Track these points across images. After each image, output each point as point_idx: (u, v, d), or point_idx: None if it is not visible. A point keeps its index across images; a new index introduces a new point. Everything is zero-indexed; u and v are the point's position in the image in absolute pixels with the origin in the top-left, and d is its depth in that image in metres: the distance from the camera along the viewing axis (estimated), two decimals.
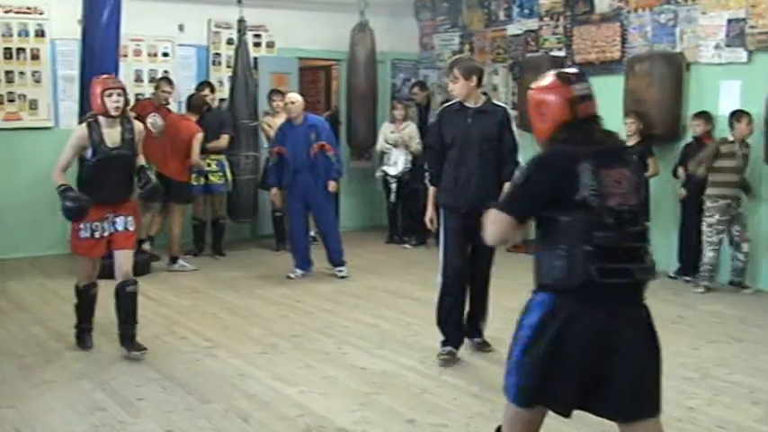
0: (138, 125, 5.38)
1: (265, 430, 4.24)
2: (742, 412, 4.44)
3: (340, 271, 7.89)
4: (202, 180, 8.63)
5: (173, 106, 8.92)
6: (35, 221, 8.75)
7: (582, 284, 2.77)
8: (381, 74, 10.52)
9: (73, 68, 8.57)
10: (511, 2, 9.82)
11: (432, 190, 5.44)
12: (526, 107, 10.27)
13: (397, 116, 9.66)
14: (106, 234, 5.26)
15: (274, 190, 8.13)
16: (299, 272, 7.93)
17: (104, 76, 5.47)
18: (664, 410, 2.97)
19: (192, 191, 8.55)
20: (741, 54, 7.49)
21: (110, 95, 5.09)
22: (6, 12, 8.65)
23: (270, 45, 10.13)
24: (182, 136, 8.26)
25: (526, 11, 9.65)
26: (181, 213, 8.41)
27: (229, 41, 9.70)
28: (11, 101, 8.76)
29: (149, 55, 9.43)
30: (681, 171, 7.68)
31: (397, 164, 9.57)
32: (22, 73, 8.77)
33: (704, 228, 7.21)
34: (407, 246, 9.71)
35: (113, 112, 5.11)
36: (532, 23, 9.56)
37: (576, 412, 2.98)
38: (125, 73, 8.61)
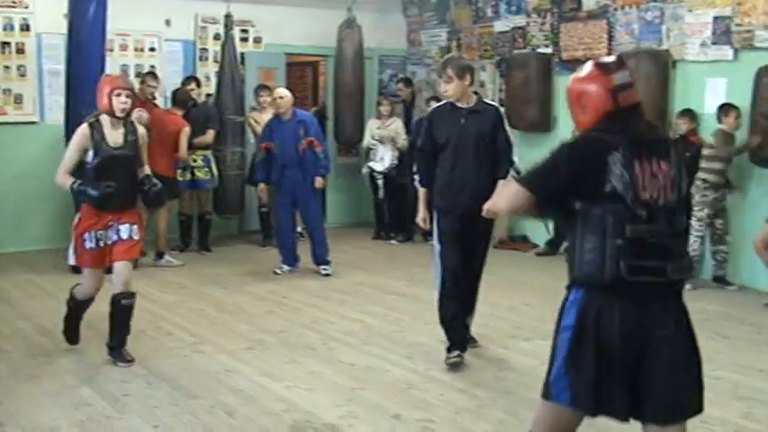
0: (141, 129, 5.21)
1: (251, 425, 4.24)
2: (726, 408, 4.45)
3: (324, 269, 7.88)
4: (188, 175, 8.60)
5: (158, 101, 8.90)
6: (21, 217, 8.72)
7: (612, 280, 2.70)
8: (369, 70, 10.52)
9: (59, 63, 8.53)
10: None
11: (422, 191, 5.35)
12: (514, 104, 10.33)
13: (384, 112, 9.66)
14: (109, 242, 5.03)
15: (262, 185, 8.12)
16: (286, 268, 7.93)
17: (114, 74, 5.37)
18: None
19: (179, 186, 8.52)
20: (727, 52, 7.53)
21: (118, 95, 4.93)
22: None
23: (257, 40, 10.11)
24: (168, 130, 8.23)
25: (513, 8, 9.67)
26: (167, 209, 8.37)
27: (216, 36, 9.68)
28: None
29: (136, 50, 9.39)
30: None
31: (383, 160, 9.58)
32: (7, 67, 8.71)
33: (693, 222, 7.23)
34: (394, 242, 9.72)
35: (119, 113, 4.96)
36: (520, 20, 9.58)
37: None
38: (111, 68, 8.56)
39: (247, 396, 4.65)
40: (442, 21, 10.68)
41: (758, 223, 6.90)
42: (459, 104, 5.16)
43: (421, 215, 5.37)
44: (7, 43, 8.69)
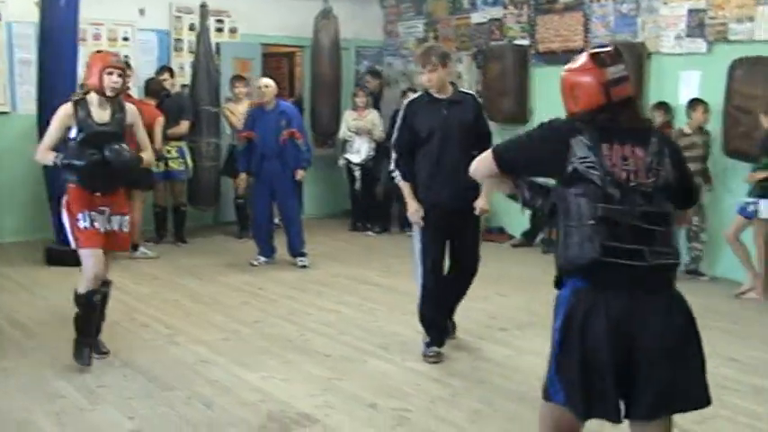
0: (131, 107, 5.01)
1: (227, 416, 4.23)
2: None
3: (301, 261, 7.87)
4: (162, 166, 8.53)
5: (132, 92, 8.81)
6: None
7: (591, 264, 2.67)
8: (345, 61, 10.50)
9: (30, 52, 8.45)
10: None
11: (406, 184, 5.11)
12: (491, 95, 10.28)
13: (360, 104, 9.64)
14: (102, 229, 4.82)
15: (243, 175, 8.07)
16: (262, 259, 7.91)
17: (106, 51, 5.17)
18: None
19: (153, 177, 8.46)
20: (701, 44, 7.60)
21: (110, 74, 4.74)
22: None
23: (232, 31, 10.06)
24: (142, 120, 8.15)
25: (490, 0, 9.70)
26: (142, 200, 8.33)
27: (191, 27, 9.62)
28: None
29: (109, 39, 9.29)
30: None
31: (360, 151, 9.57)
32: None
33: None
34: (370, 233, 9.73)
35: (109, 92, 4.77)
36: (496, 12, 9.60)
37: None
38: (84, 57, 8.46)
39: (223, 387, 4.64)
40: (418, 12, 10.67)
41: (732, 215, 6.98)
42: (437, 95, 5.05)
43: (413, 207, 5.06)
44: None
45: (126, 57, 9.11)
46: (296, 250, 7.90)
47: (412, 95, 5.68)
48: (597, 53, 2.87)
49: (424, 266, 5.10)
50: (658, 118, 7.64)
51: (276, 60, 11.97)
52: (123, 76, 4.86)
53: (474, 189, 4.67)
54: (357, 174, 9.65)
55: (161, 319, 6.02)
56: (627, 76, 2.85)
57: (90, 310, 4.87)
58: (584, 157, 2.71)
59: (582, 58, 2.88)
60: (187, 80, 9.40)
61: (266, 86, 7.77)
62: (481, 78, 9.62)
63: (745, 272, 6.95)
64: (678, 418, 4.10)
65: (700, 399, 2.77)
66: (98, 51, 5.19)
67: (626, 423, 2.83)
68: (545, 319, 3.12)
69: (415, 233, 5.18)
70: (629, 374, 2.68)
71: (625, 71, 2.84)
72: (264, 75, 9.73)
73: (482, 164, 2.98)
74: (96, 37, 9.20)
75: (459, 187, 4.79)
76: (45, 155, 4.82)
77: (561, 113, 2.96)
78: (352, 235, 9.74)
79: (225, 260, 8.10)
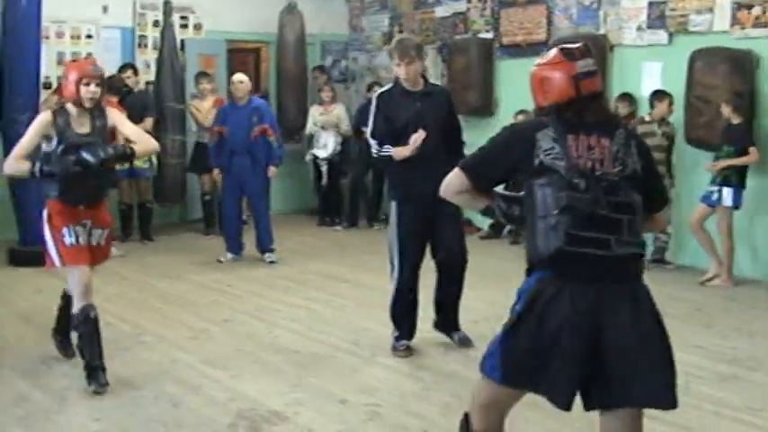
0: (111, 111, 4.75)
1: (196, 416, 4.21)
2: None
3: (269, 257, 7.84)
4: (126, 164, 8.44)
5: None
6: None
7: (556, 253, 2.67)
8: (311, 56, 10.47)
9: None
10: None
11: (391, 147, 4.94)
12: (456, 88, 10.28)
13: (325, 98, 9.63)
14: (84, 243, 4.59)
15: (216, 171, 8.00)
16: (230, 256, 7.87)
17: (83, 60, 4.85)
18: None
19: (117, 175, 8.36)
20: (662, 36, 7.68)
21: (87, 84, 4.46)
22: None
23: (197, 27, 9.98)
24: None
25: None
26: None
27: (156, 23, 9.53)
28: None
29: (72, 37, 9.17)
30: None
31: (326, 146, 9.56)
32: None
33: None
34: (338, 228, 9.72)
35: (87, 104, 4.49)
36: (460, 6, 9.63)
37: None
38: (47, 56, 8.38)
39: (191, 386, 4.61)
40: (383, 6, 10.67)
41: (695, 204, 7.07)
42: (410, 88, 5.00)
43: (404, 150, 4.88)
44: None
45: (89, 54, 9.02)
46: (264, 246, 7.87)
47: (377, 89, 5.64)
48: (567, 48, 2.88)
49: (401, 267, 5.06)
50: (623, 109, 7.72)
51: (241, 56, 11.87)
52: (101, 85, 4.60)
53: None
54: (324, 169, 9.63)
55: (128, 318, 5.96)
56: (596, 70, 2.86)
57: (91, 329, 4.56)
58: (550, 149, 2.72)
59: (551, 53, 2.89)
60: (152, 77, 9.32)
61: (240, 82, 7.73)
62: (446, 72, 9.65)
63: (710, 259, 7.04)
64: None
65: (663, 398, 2.73)
66: (74, 60, 4.99)
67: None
68: None
69: (394, 231, 5.07)
70: (595, 363, 2.68)
71: (594, 66, 2.85)
72: (231, 71, 9.69)
73: (452, 181, 2.94)
74: (59, 35, 9.08)
75: (435, 178, 4.70)
76: (18, 164, 4.46)
77: (526, 105, 2.99)
78: (319, 230, 9.72)
79: (192, 257, 8.05)
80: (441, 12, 9.89)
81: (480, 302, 6.19)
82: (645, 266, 2.84)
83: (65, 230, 4.50)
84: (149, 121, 8.57)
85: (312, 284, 7.04)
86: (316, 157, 9.67)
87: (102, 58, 9.05)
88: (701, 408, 4.32)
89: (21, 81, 7.45)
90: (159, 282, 7.11)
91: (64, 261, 4.55)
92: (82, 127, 4.53)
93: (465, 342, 5.28)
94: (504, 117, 8.13)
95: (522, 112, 7.81)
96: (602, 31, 8.11)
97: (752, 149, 6.70)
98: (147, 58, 9.57)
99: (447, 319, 5.35)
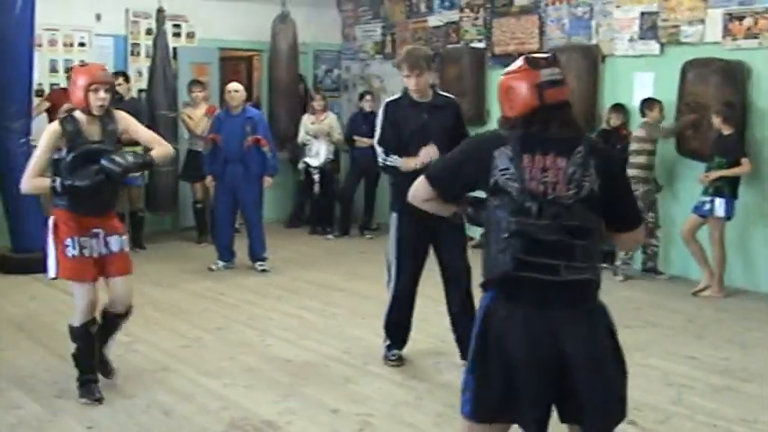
0: (120, 114, 4.52)
1: (188, 424, 4.20)
2: (657, 394, 4.58)
3: (261, 265, 7.83)
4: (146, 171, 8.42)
5: None
6: None
7: (504, 277, 2.65)
8: (303, 65, 10.48)
9: None
10: None
11: (399, 158, 4.87)
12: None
13: (317, 107, 9.65)
14: (96, 255, 4.39)
15: (209, 178, 7.99)
16: (221, 263, 7.86)
17: (92, 65, 4.69)
18: None
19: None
20: (654, 46, 7.72)
21: (96, 91, 4.27)
22: None
23: (190, 35, 9.98)
24: None
25: (447, 3, 9.74)
26: None
27: (148, 31, 9.52)
28: None
29: (65, 45, 9.16)
30: None
31: (319, 155, 9.57)
32: None
33: None
34: (330, 237, 9.71)
35: (96, 111, 4.30)
36: (453, 15, 9.66)
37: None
38: (40, 63, 8.37)
39: (184, 394, 4.60)
40: (376, 16, 10.69)
41: (687, 214, 7.10)
42: (418, 99, 4.93)
43: (413, 161, 4.78)
44: None
45: (82, 62, 9.00)
46: (257, 255, 7.86)
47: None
48: (532, 56, 2.85)
49: (398, 278, 5.03)
50: (615, 120, 7.75)
51: (234, 65, 11.89)
52: (111, 91, 4.40)
53: None
54: (316, 177, 9.64)
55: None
56: (562, 80, 2.79)
57: (88, 344, 4.46)
58: (505, 169, 2.67)
59: (517, 62, 2.85)
60: (144, 85, 9.31)
61: (235, 91, 7.76)
62: (439, 81, 9.66)
63: (702, 270, 7.06)
64: (639, 418, 4.19)
65: (614, 412, 2.73)
66: (82, 64, 4.79)
67: None
68: None
69: (393, 244, 5.03)
70: (563, 386, 2.65)
71: (560, 75, 2.78)
72: (224, 79, 9.71)
73: (418, 188, 2.92)
74: (52, 42, 9.06)
75: None
76: (35, 182, 4.30)
77: None
78: (312, 239, 9.72)
79: (185, 266, 8.03)
80: (433, 21, 9.92)
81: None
82: (598, 291, 2.76)
83: (68, 241, 4.32)
84: None
85: (304, 293, 7.03)
86: (308, 166, 9.67)
87: None
88: (694, 419, 4.32)
89: (13, 89, 7.44)
90: (151, 290, 7.08)
91: (65, 274, 4.38)
92: (93, 134, 4.36)
93: None
94: (496, 126, 8.15)
95: None
96: (594, 42, 8.14)
97: (744, 160, 6.73)
98: (139, 66, 9.56)
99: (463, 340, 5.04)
